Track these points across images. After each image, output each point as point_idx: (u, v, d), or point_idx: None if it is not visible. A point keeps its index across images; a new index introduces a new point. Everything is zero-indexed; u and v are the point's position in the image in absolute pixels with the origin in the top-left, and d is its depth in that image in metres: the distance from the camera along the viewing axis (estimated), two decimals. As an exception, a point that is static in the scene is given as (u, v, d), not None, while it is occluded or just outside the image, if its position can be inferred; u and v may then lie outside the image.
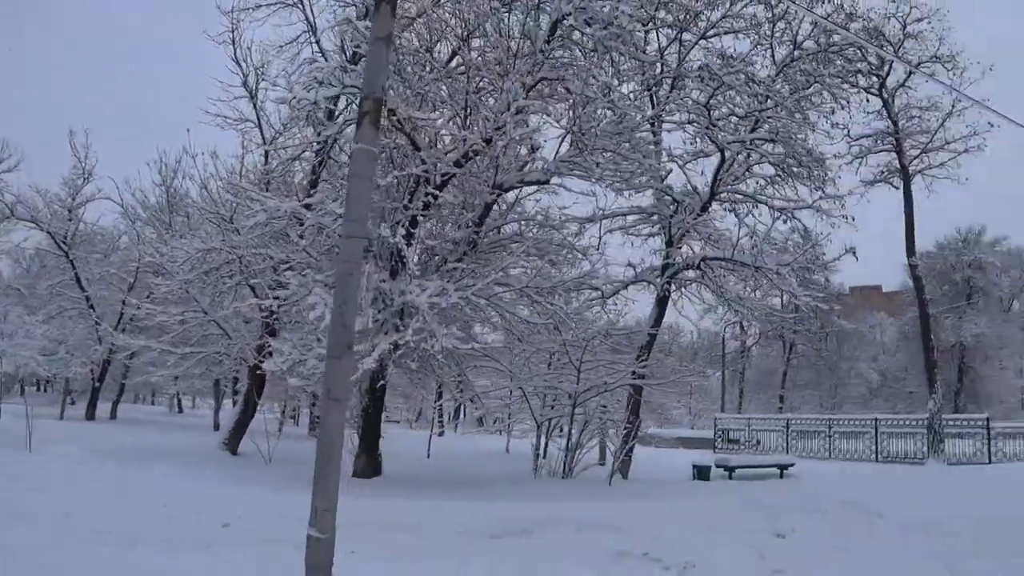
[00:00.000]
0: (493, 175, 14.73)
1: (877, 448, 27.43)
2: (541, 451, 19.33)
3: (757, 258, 17.30)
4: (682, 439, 36.20)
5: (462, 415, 47.69)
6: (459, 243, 15.24)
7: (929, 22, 25.60)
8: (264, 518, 10.42)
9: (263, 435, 19.13)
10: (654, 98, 18.45)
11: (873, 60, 26.03)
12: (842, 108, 19.78)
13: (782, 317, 32.90)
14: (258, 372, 18.82)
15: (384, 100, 6.69)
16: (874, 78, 26.66)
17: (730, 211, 19.72)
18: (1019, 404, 52.99)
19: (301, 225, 14.57)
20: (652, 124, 18.63)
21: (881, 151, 27.39)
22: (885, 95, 26.71)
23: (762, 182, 20.14)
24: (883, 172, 27.58)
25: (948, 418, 27.68)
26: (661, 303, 19.20)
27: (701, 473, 18.79)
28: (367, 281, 12.57)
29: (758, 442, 30.88)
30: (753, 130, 18.37)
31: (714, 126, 17.14)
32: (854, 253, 18.67)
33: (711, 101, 16.63)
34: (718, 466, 19.30)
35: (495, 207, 16.42)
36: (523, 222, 16.91)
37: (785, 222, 19.26)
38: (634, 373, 18.59)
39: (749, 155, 19.48)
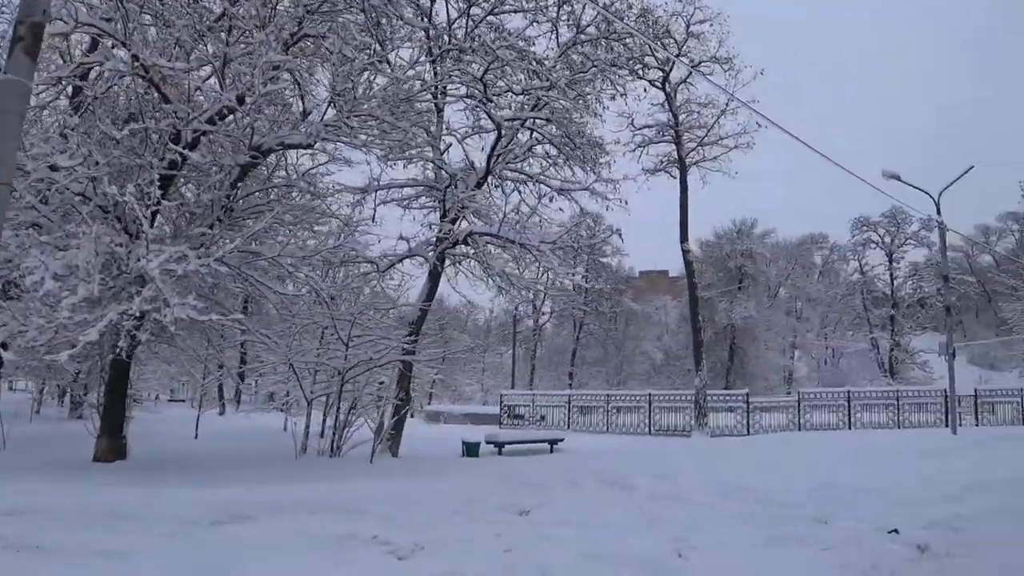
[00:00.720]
0: (250, 136, 13.58)
1: (651, 422, 28.69)
2: (315, 429, 18.46)
3: (521, 234, 17.10)
4: (471, 415, 36.25)
5: (252, 392, 45.42)
6: (212, 207, 13.98)
7: (711, 25, 26.87)
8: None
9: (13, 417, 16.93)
10: (437, 69, 17.93)
11: (660, 55, 26.96)
12: (621, 95, 20.09)
13: (570, 297, 33.53)
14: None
15: (47, 25, 5.69)
16: (659, 72, 27.63)
17: (497, 187, 19.57)
18: (782, 381, 57.63)
19: (26, 178, 12.77)
20: (435, 96, 18.16)
21: (662, 142, 28.51)
22: (668, 89, 27.77)
23: (544, 163, 20.20)
24: (663, 162, 28.70)
25: (713, 393, 29.35)
26: (433, 278, 18.67)
27: (470, 450, 18.56)
28: (95, 244, 11.19)
29: (543, 417, 31.40)
30: (534, 109, 18.27)
31: (489, 101, 16.81)
32: (619, 234, 19.03)
33: (487, 76, 16.23)
34: (488, 442, 19.16)
35: (259, 171, 15.28)
36: (285, 188, 15.73)
37: (551, 200, 19.28)
38: (404, 350, 18.05)
39: (532, 133, 19.45)
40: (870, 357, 53.29)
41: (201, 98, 14.31)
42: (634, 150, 28.15)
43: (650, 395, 29.27)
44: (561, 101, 18.19)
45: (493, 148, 18.11)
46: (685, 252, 27.95)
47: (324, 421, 19.03)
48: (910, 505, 10.33)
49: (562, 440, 20.37)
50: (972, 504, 10.40)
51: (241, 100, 12.35)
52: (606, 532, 8.82)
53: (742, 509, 10.34)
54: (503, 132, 17.94)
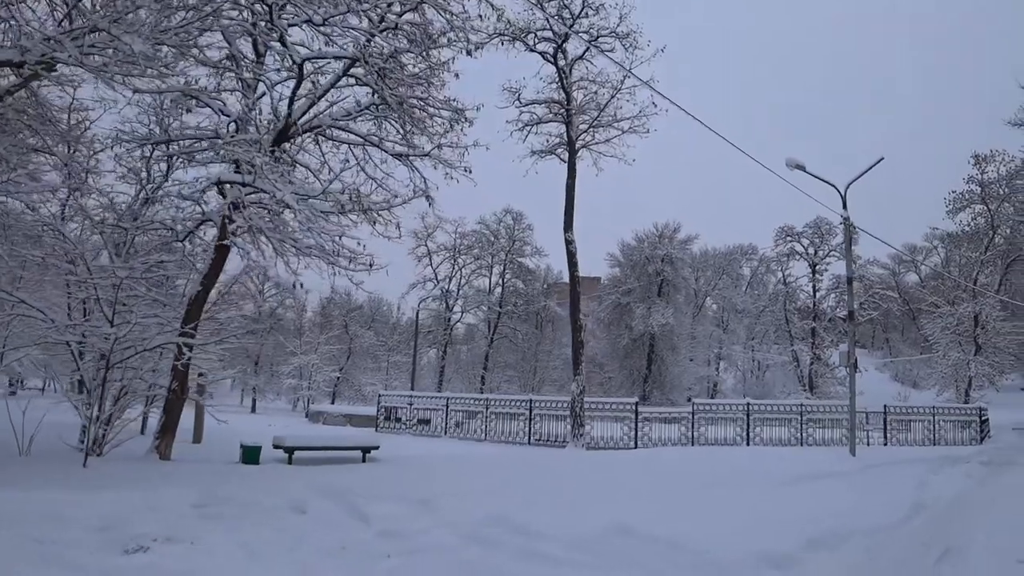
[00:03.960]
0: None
1: (530, 430, 25.27)
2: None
3: (273, 183, 13.05)
4: (349, 416, 32.51)
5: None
6: None
7: (612, -4, 23.68)
8: None
9: None
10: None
11: (558, 28, 23.68)
12: (476, 49, 16.64)
13: (483, 296, 29.89)
14: None
15: None
16: (551, 45, 24.26)
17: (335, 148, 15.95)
18: (706, 391, 54.69)
19: None
20: (253, 28, 14.55)
21: (552, 121, 25.11)
22: (562, 64, 24.42)
23: (392, 126, 16.70)
24: (549, 142, 25.32)
25: (597, 401, 26.07)
26: (220, 250, 14.82)
27: (248, 455, 14.72)
28: None
29: (422, 421, 27.77)
30: (366, 44, 14.76)
31: (275, 29, 13.09)
32: (428, 198, 15.47)
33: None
34: (276, 447, 15.40)
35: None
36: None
37: (353, 163, 15.66)
38: (181, 332, 14.33)
39: (375, 93, 15.88)
40: (790, 370, 50.49)
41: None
42: (522, 129, 24.74)
43: (531, 401, 25.79)
44: (403, 46, 14.76)
45: (293, 94, 14.53)
46: (568, 242, 24.52)
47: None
48: (714, 572, 7.05)
49: (377, 448, 16.58)
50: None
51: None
52: None
53: (461, 565, 7.01)
54: (305, 74, 14.40)
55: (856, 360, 21.12)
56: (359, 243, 12.85)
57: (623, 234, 58.36)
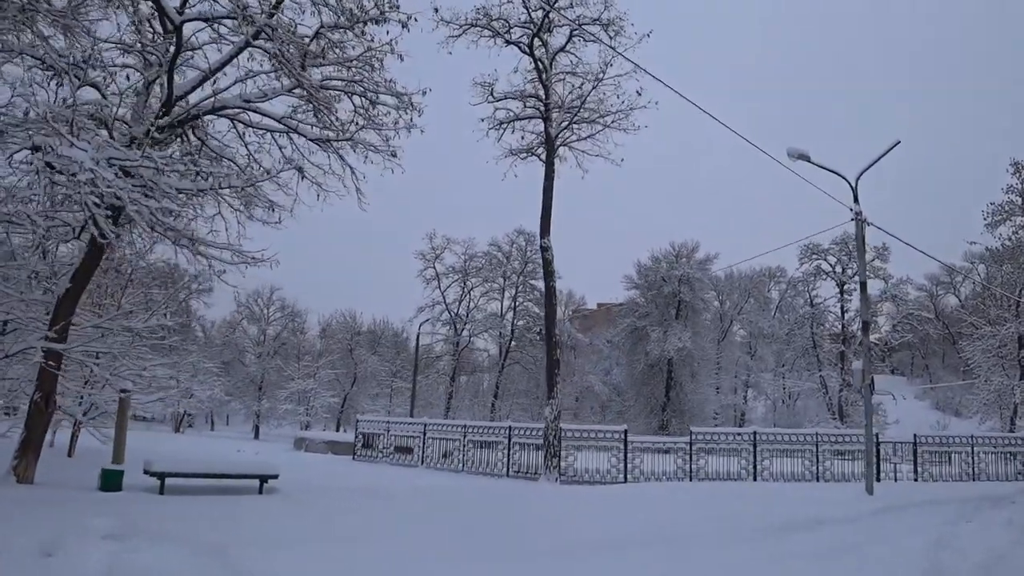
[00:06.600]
0: None
1: (509, 460, 22.03)
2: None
3: (80, 148, 9.63)
4: (331, 443, 29.68)
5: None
6: None
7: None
8: None
9: None
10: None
11: (538, 14, 20.94)
12: (411, 21, 13.85)
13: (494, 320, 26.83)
14: None
15: None
16: (528, 34, 21.31)
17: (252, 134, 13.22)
18: (733, 421, 50.58)
19: None
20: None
21: (531, 118, 22.10)
22: (539, 54, 21.48)
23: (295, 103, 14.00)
24: (524, 139, 22.29)
25: (577, 429, 22.71)
26: (95, 241, 11.94)
27: (107, 480, 11.76)
28: None
29: (408, 450, 24.69)
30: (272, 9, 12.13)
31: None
32: (300, 170, 12.58)
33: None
34: (146, 472, 12.46)
35: None
36: None
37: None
38: (47, 336, 11.63)
39: (289, 72, 13.18)
40: (820, 398, 46.04)
41: None
42: (497, 127, 21.80)
43: (510, 428, 22.54)
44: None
45: (172, 64, 11.83)
46: (544, 249, 21.24)
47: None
48: None
49: (276, 476, 13.49)
50: None
51: None
52: None
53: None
54: (185, 40, 11.78)
55: (872, 379, 17.53)
56: (188, 222, 10.05)
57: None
